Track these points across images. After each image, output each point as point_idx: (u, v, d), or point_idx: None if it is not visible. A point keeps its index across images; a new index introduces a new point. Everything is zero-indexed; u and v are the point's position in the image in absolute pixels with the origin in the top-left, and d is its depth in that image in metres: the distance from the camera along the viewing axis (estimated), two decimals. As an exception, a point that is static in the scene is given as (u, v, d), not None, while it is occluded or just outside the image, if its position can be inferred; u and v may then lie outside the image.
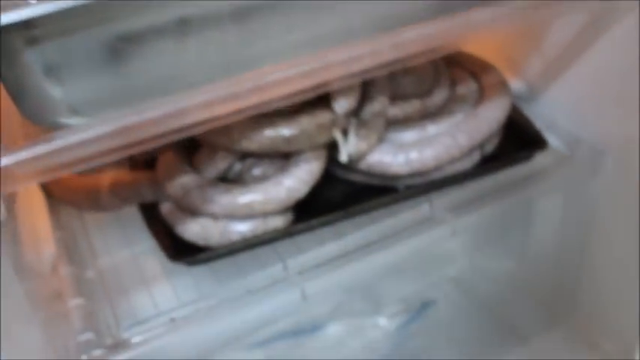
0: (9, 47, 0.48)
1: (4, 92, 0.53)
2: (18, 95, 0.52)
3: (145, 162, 0.80)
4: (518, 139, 0.85)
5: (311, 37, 0.58)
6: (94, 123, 0.51)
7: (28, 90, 0.51)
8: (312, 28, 0.58)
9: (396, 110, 0.79)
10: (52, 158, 0.50)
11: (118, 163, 0.83)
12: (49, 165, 0.51)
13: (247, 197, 0.71)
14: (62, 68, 0.50)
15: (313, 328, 0.91)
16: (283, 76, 0.55)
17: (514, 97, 0.87)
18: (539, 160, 0.84)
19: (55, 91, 0.51)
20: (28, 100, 0.52)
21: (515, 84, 0.92)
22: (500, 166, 0.82)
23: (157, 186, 0.76)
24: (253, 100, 0.56)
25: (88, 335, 0.67)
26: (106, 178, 0.79)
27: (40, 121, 0.53)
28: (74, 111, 0.53)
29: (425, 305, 0.93)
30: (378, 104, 0.76)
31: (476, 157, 0.81)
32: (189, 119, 0.54)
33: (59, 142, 0.50)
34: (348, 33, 0.59)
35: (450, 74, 0.86)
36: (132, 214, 0.80)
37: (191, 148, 0.77)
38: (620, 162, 0.83)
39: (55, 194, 0.82)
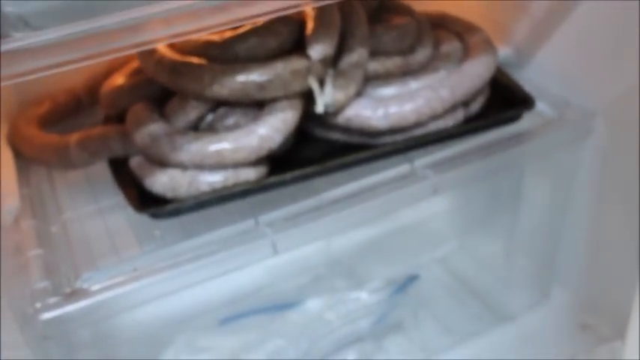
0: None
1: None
2: None
3: (117, 118, 0.77)
4: (505, 100, 0.82)
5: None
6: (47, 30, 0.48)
7: None
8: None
9: (377, 65, 0.77)
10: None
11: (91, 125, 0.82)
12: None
13: (218, 145, 0.68)
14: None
15: (292, 303, 0.87)
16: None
17: (501, 64, 0.85)
18: (528, 122, 0.81)
19: (5, 3, 0.49)
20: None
21: (503, 50, 0.89)
22: (485, 125, 0.78)
23: (126, 139, 0.73)
24: (215, 20, 0.53)
25: (45, 284, 0.64)
26: (76, 135, 0.76)
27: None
28: (26, 24, 0.50)
29: (409, 280, 0.89)
30: (357, 55, 0.73)
31: (460, 116, 0.77)
32: (143, 36, 0.51)
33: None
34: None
35: (434, 34, 0.83)
36: (102, 172, 0.77)
37: (162, 100, 0.74)
38: (611, 123, 0.80)
39: (24, 152, 0.79)
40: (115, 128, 0.75)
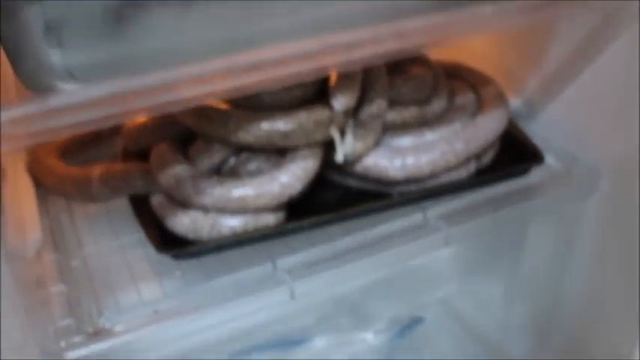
0: (9, 2, 0.47)
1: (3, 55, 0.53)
2: (15, 55, 0.51)
3: (137, 154, 0.79)
4: (515, 153, 0.84)
5: (314, 20, 0.57)
6: (87, 88, 0.50)
7: (26, 50, 0.50)
8: (316, 10, 0.57)
9: (394, 115, 0.79)
10: (42, 120, 0.50)
11: (110, 156, 0.83)
12: (39, 127, 0.50)
13: (240, 191, 0.70)
14: (62, 29, 0.49)
15: (299, 340, 0.89)
16: (281, 56, 0.55)
17: (512, 116, 0.87)
18: (536, 175, 0.84)
19: (53, 53, 0.50)
20: (25, 62, 0.51)
21: (514, 102, 0.92)
22: (496, 178, 0.81)
23: (148, 177, 0.75)
24: (250, 79, 0.55)
25: (68, 321, 0.65)
26: (97, 169, 0.78)
27: (35, 85, 0.52)
28: (71, 75, 0.52)
29: (413, 322, 0.91)
30: (377, 106, 0.76)
31: (472, 168, 0.80)
32: (182, 93, 0.53)
33: (51, 103, 0.50)
34: (351, 18, 0.59)
35: (449, 85, 0.85)
36: (122, 207, 0.78)
37: (186, 141, 0.76)
38: (617, 181, 0.82)
39: (44, 182, 0.81)
40: (137, 166, 0.76)
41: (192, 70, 0.53)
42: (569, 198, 0.84)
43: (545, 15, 0.69)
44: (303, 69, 0.57)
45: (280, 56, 0.55)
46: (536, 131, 0.89)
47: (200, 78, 0.53)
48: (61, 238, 0.77)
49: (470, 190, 0.80)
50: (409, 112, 0.80)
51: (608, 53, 0.79)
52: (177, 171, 0.72)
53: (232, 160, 0.75)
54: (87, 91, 0.50)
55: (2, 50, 0.51)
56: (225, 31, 0.55)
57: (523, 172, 0.82)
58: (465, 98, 0.84)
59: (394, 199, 0.77)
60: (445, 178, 0.78)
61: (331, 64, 0.58)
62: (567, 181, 0.84)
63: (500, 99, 0.83)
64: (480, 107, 0.83)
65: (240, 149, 0.75)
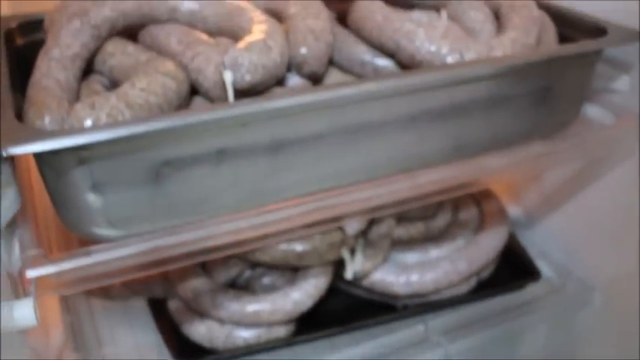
0: (58, 164, 0.52)
1: (44, 198, 0.57)
2: (61, 205, 0.56)
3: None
4: (513, 267, 0.89)
5: (335, 171, 0.63)
6: (128, 241, 0.55)
7: (72, 202, 0.55)
8: (337, 163, 0.62)
9: (401, 231, 0.84)
10: (86, 271, 0.54)
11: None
12: (84, 277, 0.55)
13: (255, 306, 0.75)
14: (107, 186, 0.54)
15: None
16: (304, 210, 0.60)
17: (511, 224, 0.92)
18: (532, 287, 0.88)
19: (96, 206, 0.55)
20: (71, 212, 0.56)
21: (513, 210, 0.97)
22: (494, 293, 0.86)
23: (167, 284, 0.79)
24: (276, 228, 0.60)
25: None
26: (119, 270, 0.82)
27: (78, 230, 0.57)
28: (111, 224, 0.57)
29: None
30: (386, 226, 0.81)
31: (472, 282, 0.85)
32: (215, 242, 0.58)
33: (93, 257, 0.54)
34: (370, 168, 0.64)
35: (453, 199, 0.91)
36: (140, 305, 0.83)
37: (205, 251, 0.81)
38: (608, 298, 0.87)
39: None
40: (157, 272, 0.81)
41: (222, 228, 0.57)
42: (564, 311, 0.89)
43: (549, 164, 0.74)
44: (324, 217, 0.62)
45: (303, 210, 0.60)
46: (534, 241, 0.94)
47: (230, 231, 0.58)
48: (81, 335, 0.81)
49: (469, 304, 0.85)
50: (415, 228, 0.85)
51: (607, 176, 0.84)
52: (196, 284, 0.76)
53: (248, 273, 0.80)
54: (124, 248, 0.55)
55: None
56: (253, 183, 0.60)
57: (520, 287, 0.87)
58: (468, 213, 0.89)
59: (398, 313, 0.82)
60: (447, 293, 0.83)
61: (350, 212, 0.63)
62: (562, 295, 0.88)
63: (502, 215, 0.88)
64: (481, 223, 0.88)
65: (256, 264, 0.79)
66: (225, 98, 0.59)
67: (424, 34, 0.63)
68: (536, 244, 0.94)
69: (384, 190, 0.62)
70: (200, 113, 0.53)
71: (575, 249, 0.91)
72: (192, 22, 0.68)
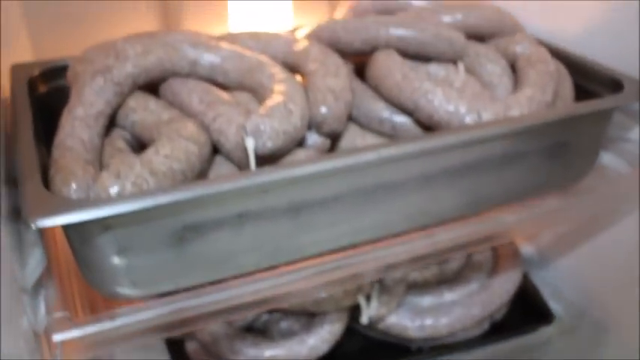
0: (84, 230, 0.53)
1: (69, 257, 0.59)
2: (86, 267, 0.57)
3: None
4: (526, 308, 0.90)
5: (353, 230, 0.64)
6: (151, 304, 0.56)
7: (97, 265, 0.56)
8: (355, 221, 0.63)
9: (416, 275, 0.85)
10: (111, 334, 0.56)
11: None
12: (109, 339, 0.56)
13: (272, 352, 0.76)
14: (131, 250, 0.55)
15: None
16: (323, 269, 0.61)
17: (525, 263, 0.93)
18: (545, 329, 0.89)
19: (120, 269, 0.56)
20: (95, 273, 0.57)
21: (527, 249, 0.98)
22: (508, 336, 0.87)
23: (185, 325, 0.80)
24: (295, 287, 0.61)
25: None
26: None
27: (102, 290, 0.58)
28: (135, 285, 0.58)
29: None
30: (400, 272, 0.81)
31: (486, 325, 0.86)
32: (237, 302, 0.59)
33: (118, 321, 0.56)
34: (387, 225, 0.65)
35: (467, 240, 0.91)
36: (158, 345, 0.84)
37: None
38: (622, 340, 0.88)
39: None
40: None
41: (243, 289, 0.58)
42: (577, 353, 0.89)
43: (564, 219, 0.75)
44: (343, 276, 0.63)
45: (322, 270, 0.61)
46: (547, 280, 0.95)
47: (251, 293, 0.59)
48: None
49: (482, 347, 0.85)
50: (430, 271, 0.86)
51: (621, 221, 0.85)
52: (214, 328, 0.77)
53: (265, 317, 0.81)
54: (148, 311, 0.56)
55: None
56: (273, 243, 0.61)
57: (533, 330, 0.88)
58: (482, 255, 0.90)
59: (412, 355, 0.83)
60: (460, 335, 0.84)
61: (368, 271, 0.64)
62: (575, 337, 0.89)
63: (516, 258, 0.89)
64: (495, 265, 0.89)
65: (274, 309, 0.80)
66: (246, 159, 0.60)
67: (442, 95, 0.64)
68: (550, 284, 0.94)
69: (400, 249, 0.64)
70: (222, 183, 0.54)
71: (589, 289, 0.92)
72: (212, 75, 0.69)
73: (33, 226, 0.49)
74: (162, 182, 0.55)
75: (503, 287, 0.85)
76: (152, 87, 0.69)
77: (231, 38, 0.74)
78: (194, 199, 0.53)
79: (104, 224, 0.53)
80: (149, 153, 0.56)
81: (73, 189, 0.54)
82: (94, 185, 0.54)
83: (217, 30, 0.87)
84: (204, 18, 0.85)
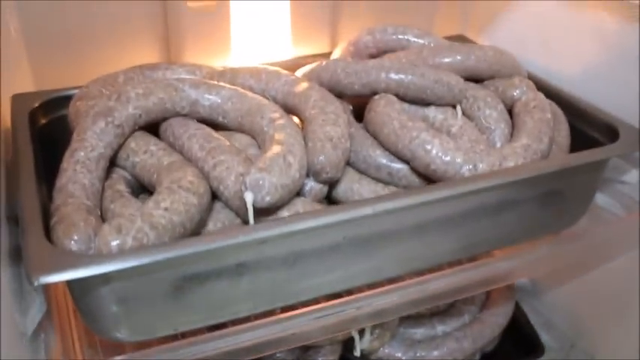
0: (85, 283, 0.54)
1: (69, 301, 0.60)
2: (86, 313, 0.58)
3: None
4: (517, 339, 0.91)
5: (348, 276, 0.65)
6: (149, 352, 0.58)
7: (96, 312, 0.57)
8: (349, 268, 0.64)
9: (409, 306, 0.86)
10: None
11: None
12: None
13: (265, 384, 0.77)
14: (130, 300, 0.56)
15: None
16: (317, 316, 0.62)
17: (517, 292, 0.95)
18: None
19: (119, 316, 0.57)
20: (95, 319, 0.58)
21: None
22: (498, 371, 0.88)
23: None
24: (291, 332, 0.62)
25: None
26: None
27: (101, 334, 0.59)
28: (133, 330, 0.59)
29: None
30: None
31: (477, 357, 0.87)
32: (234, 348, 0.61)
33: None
34: (381, 270, 0.66)
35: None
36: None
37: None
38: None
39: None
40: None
41: (241, 337, 0.60)
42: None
43: (557, 265, 0.76)
44: (339, 322, 0.64)
45: (317, 316, 0.62)
46: (539, 310, 0.96)
47: (249, 340, 0.60)
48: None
49: (473, 379, 0.87)
50: (423, 303, 0.87)
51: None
52: (209, 359, 0.78)
53: (259, 348, 0.82)
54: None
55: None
56: (270, 290, 0.62)
57: (523, 364, 0.90)
58: (475, 287, 0.91)
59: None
60: (451, 367, 0.85)
61: (361, 316, 0.65)
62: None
63: (509, 291, 0.90)
64: (488, 298, 0.90)
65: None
66: (244, 208, 0.60)
67: (439, 145, 0.65)
68: (542, 314, 0.96)
69: (395, 296, 0.65)
70: (221, 239, 0.55)
71: (579, 320, 0.93)
72: (212, 115, 0.70)
73: (35, 282, 0.50)
74: (162, 235, 0.56)
75: (494, 321, 0.87)
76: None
77: (232, 74, 0.75)
78: (194, 254, 0.54)
79: (105, 277, 0.54)
80: (149, 205, 0.57)
81: (75, 241, 0.55)
82: (96, 238, 0.55)
83: (219, 59, 0.88)
84: (206, 48, 0.85)
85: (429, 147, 0.65)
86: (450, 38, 0.93)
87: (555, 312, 0.96)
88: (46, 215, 0.59)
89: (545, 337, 0.93)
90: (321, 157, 0.63)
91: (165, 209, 0.57)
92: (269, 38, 0.89)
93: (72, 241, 0.55)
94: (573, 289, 0.94)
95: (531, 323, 0.93)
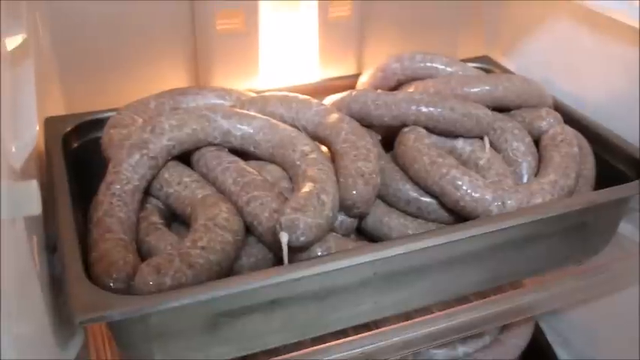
0: (126, 320, 0.56)
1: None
2: (123, 346, 0.60)
3: None
4: (535, 358, 0.93)
5: (376, 308, 0.66)
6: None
7: (133, 345, 0.59)
8: (378, 300, 0.66)
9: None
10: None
11: None
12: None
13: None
14: (166, 335, 0.58)
15: None
16: (349, 347, 0.64)
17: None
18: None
19: (155, 349, 0.59)
20: (131, 351, 0.59)
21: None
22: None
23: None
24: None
25: None
26: None
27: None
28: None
29: None
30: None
31: (495, 380, 0.88)
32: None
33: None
34: (408, 302, 0.68)
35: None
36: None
37: None
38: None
39: None
40: None
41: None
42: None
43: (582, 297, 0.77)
44: (365, 354, 0.66)
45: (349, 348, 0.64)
46: (557, 328, 0.97)
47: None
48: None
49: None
50: (444, 324, 0.88)
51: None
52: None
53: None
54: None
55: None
56: (301, 322, 0.63)
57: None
58: (496, 307, 0.92)
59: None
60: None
61: (387, 348, 0.67)
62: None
63: (528, 312, 0.91)
64: (508, 319, 0.91)
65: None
66: (278, 243, 0.61)
67: (469, 182, 0.66)
68: (560, 332, 0.97)
69: (421, 329, 0.66)
70: (257, 280, 0.57)
71: (597, 339, 0.94)
72: (244, 145, 0.71)
73: (79, 322, 0.52)
74: (199, 274, 0.57)
75: (514, 343, 0.88)
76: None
77: (262, 102, 0.76)
78: (230, 295, 0.56)
79: (144, 315, 0.55)
80: (187, 244, 0.58)
81: (114, 280, 0.56)
82: (135, 277, 0.56)
83: (247, 81, 0.88)
84: (235, 70, 0.86)
85: (459, 183, 0.66)
86: (476, 60, 0.94)
87: (573, 330, 0.97)
88: (83, 244, 0.61)
89: (563, 356, 0.94)
90: (353, 193, 0.65)
91: (203, 248, 0.58)
92: (297, 60, 0.89)
93: (111, 281, 0.56)
94: (592, 307, 0.95)
95: (549, 343, 0.94)
